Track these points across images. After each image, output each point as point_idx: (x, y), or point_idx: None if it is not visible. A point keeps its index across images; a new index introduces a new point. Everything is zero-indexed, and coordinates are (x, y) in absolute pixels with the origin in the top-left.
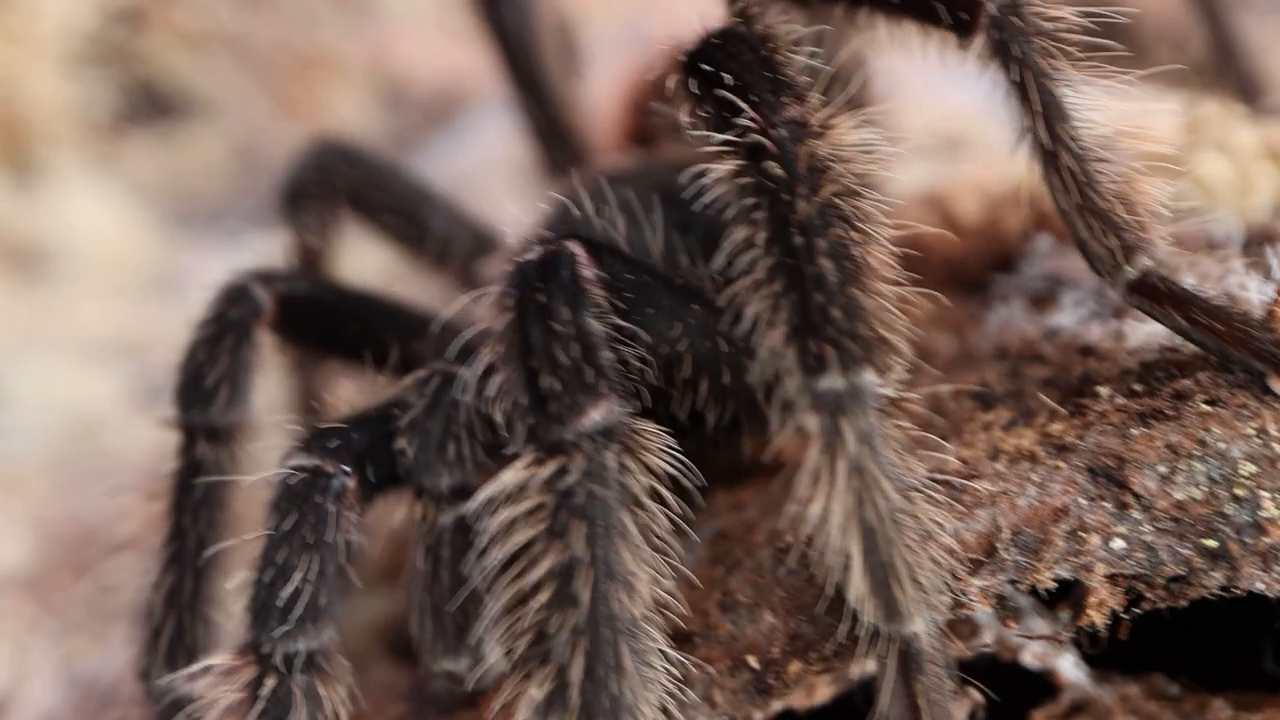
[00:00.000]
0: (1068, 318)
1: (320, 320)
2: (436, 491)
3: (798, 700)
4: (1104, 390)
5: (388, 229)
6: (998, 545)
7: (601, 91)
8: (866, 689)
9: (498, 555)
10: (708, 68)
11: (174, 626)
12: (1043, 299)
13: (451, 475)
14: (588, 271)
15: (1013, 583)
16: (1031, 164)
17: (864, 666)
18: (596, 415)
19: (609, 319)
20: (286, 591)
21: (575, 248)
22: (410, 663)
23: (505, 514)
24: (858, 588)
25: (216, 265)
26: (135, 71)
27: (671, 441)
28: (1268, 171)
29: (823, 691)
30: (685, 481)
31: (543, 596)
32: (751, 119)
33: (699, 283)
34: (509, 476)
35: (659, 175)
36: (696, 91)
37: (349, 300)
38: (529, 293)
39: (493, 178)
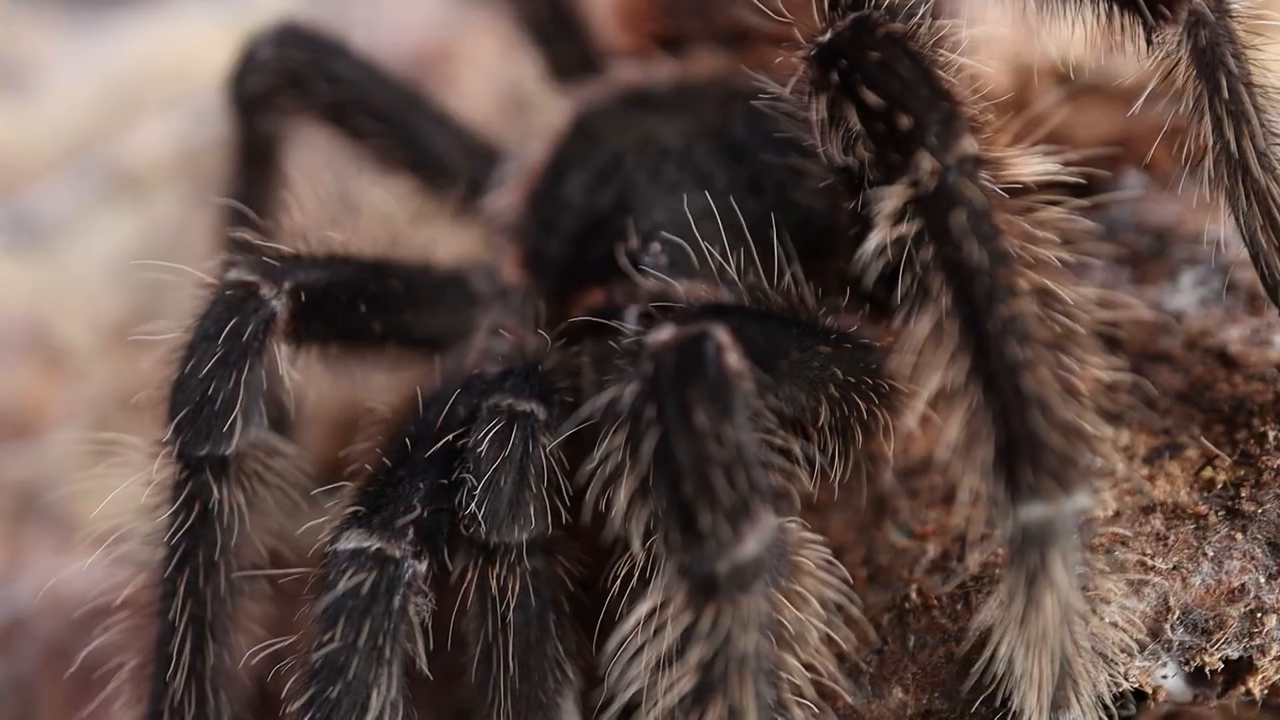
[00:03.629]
0: (1189, 300)
1: (339, 317)
2: (509, 550)
3: None
4: (1272, 433)
5: (373, 151)
6: (1165, 626)
7: None
8: None
9: (631, 686)
10: (849, 72)
11: (196, 700)
12: (1145, 263)
13: (525, 530)
14: (735, 361)
15: (1178, 664)
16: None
17: None
18: (754, 542)
19: (758, 407)
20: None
21: (719, 332)
22: None
23: (649, 652)
24: (1031, 695)
25: (67, 52)
26: None
27: (826, 549)
28: None
29: None
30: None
31: None
32: (927, 168)
33: (810, 307)
34: (652, 606)
35: (710, 111)
36: (831, 96)
37: (365, 281)
38: (672, 404)
39: None
